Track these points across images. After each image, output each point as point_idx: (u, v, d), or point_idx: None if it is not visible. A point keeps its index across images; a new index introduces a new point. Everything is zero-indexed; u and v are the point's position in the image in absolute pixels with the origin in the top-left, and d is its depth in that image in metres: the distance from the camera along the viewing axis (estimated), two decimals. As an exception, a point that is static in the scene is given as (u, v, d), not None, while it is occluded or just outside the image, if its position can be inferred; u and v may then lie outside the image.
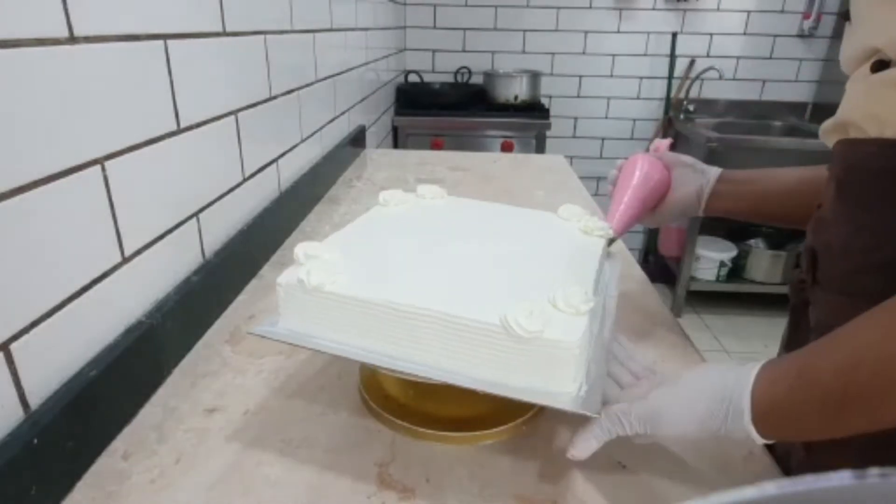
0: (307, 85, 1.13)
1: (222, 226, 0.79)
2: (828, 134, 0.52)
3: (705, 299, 2.75)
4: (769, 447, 0.52)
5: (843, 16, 0.53)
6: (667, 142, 0.72)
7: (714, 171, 0.67)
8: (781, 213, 0.65)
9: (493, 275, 0.52)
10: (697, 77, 2.66)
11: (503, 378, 0.44)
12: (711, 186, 0.66)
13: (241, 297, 0.79)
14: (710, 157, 2.33)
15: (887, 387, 0.34)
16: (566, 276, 0.52)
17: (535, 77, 2.43)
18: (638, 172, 0.67)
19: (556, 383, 0.44)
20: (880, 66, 0.43)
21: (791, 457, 0.52)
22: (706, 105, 2.74)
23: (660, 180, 0.68)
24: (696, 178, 0.68)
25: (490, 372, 0.45)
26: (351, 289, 0.47)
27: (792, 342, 0.57)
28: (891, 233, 0.43)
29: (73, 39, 0.48)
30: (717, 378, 0.41)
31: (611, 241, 0.66)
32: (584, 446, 0.44)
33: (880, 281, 0.43)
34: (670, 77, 2.69)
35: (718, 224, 2.65)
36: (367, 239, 0.59)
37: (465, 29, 2.65)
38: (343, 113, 1.46)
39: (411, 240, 0.59)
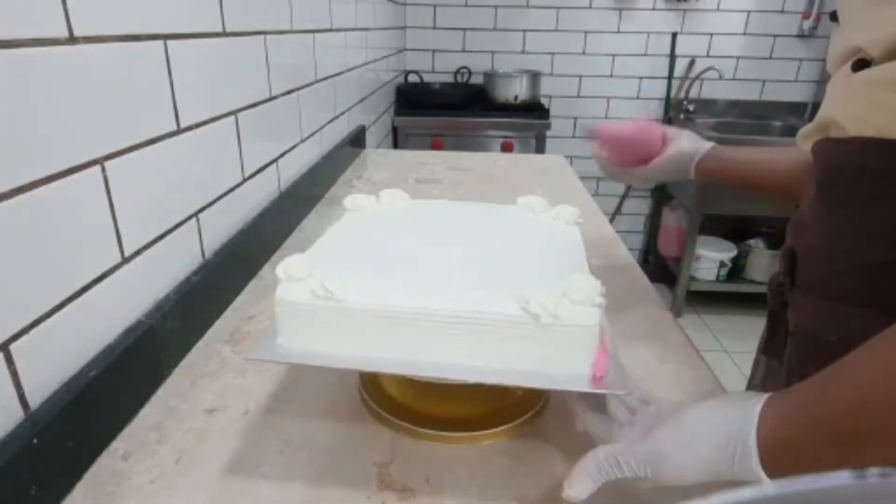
0: (307, 85, 1.13)
1: (222, 226, 0.79)
2: (806, 137, 0.51)
3: (705, 299, 2.75)
4: None
5: (832, 16, 0.53)
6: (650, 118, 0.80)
7: (709, 143, 0.74)
8: (765, 182, 0.72)
9: (489, 272, 0.52)
10: (697, 77, 2.66)
11: (522, 369, 0.45)
12: (706, 150, 0.73)
13: (241, 297, 0.79)
14: (710, 157, 2.33)
15: None
16: (565, 268, 0.52)
17: (535, 77, 2.43)
18: (636, 122, 0.76)
19: (574, 368, 0.45)
20: (861, 65, 0.43)
21: None
22: (706, 105, 2.74)
23: (652, 137, 0.75)
24: (694, 142, 0.75)
25: (510, 364, 0.45)
26: (365, 299, 0.46)
27: (770, 345, 0.56)
28: (874, 234, 0.43)
29: (73, 39, 0.48)
30: (721, 417, 0.38)
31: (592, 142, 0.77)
32: (580, 485, 0.42)
33: (863, 283, 0.43)
34: (670, 77, 2.69)
35: (718, 224, 2.65)
36: (351, 246, 0.57)
37: (465, 29, 2.65)
38: (343, 113, 1.46)
39: (399, 241, 0.59)
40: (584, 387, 0.44)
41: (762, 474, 0.36)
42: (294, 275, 0.48)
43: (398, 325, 0.45)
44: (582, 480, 0.42)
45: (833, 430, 0.34)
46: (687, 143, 0.74)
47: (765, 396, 0.38)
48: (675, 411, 0.41)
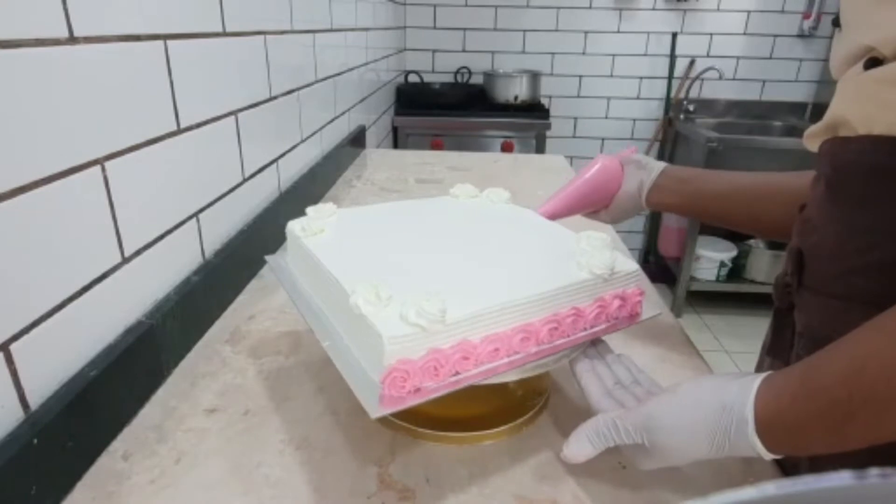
0: (307, 85, 1.13)
1: (222, 226, 0.79)
2: (814, 137, 0.51)
3: (705, 299, 2.75)
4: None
5: (834, 22, 0.53)
6: (631, 149, 0.75)
7: (657, 166, 0.69)
8: (717, 214, 0.68)
9: (442, 272, 0.51)
10: (697, 77, 2.66)
11: (354, 350, 0.46)
12: (652, 181, 0.68)
13: (241, 297, 0.79)
14: (711, 158, 2.33)
15: (893, 394, 0.33)
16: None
17: (535, 77, 2.43)
18: (589, 170, 0.71)
19: (372, 373, 0.42)
20: (873, 63, 0.43)
21: (798, 471, 0.51)
22: (706, 105, 2.74)
23: (610, 178, 0.71)
24: (639, 174, 0.70)
25: (351, 341, 0.46)
26: (312, 244, 0.55)
27: (775, 346, 0.56)
28: (885, 231, 0.42)
29: (73, 39, 0.48)
30: (718, 388, 0.40)
31: None
32: (577, 447, 0.44)
33: (875, 282, 0.43)
34: (670, 77, 2.69)
35: (718, 224, 2.65)
36: (383, 217, 0.65)
37: (465, 29, 2.65)
38: (343, 113, 1.46)
39: (422, 227, 0.62)
40: (371, 397, 0.41)
41: (758, 443, 0.37)
42: (311, 213, 0.61)
43: (316, 273, 0.52)
44: (579, 442, 0.44)
45: (828, 400, 0.35)
46: (633, 178, 0.70)
47: (764, 374, 0.39)
48: (674, 385, 0.43)
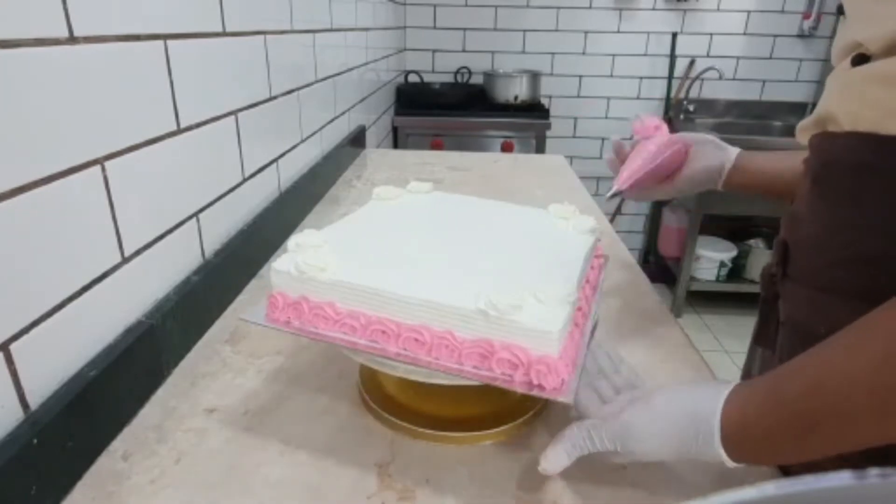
0: (307, 85, 1.13)
1: (222, 226, 0.79)
2: (805, 130, 0.52)
3: (705, 299, 2.75)
4: None
5: (839, 10, 0.54)
6: (655, 123, 0.74)
7: (734, 150, 0.72)
8: (791, 191, 0.68)
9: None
10: (697, 77, 2.66)
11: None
12: (733, 162, 0.71)
13: (241, 297, 0.79)
14: (710, 157, 2.33)
15: (851, 408, 0.33)
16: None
17: (535, 77, 2.43)
18: (656, 141, 0.71)
19: None
20: (860, 60, 0.43)
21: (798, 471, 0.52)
22: (706, 105, 2.74)
23: (676, 151, 0.71)
24: (718, 154, 0.72)
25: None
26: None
27: (761, 335, 0.58)
28: (867, 227, 0.43)
29: (73, 39, 0.48)
30: (689, 397, 0.41)
31: (617, 199, 0.72)
32: (554, 459, 0.44)
33: (854, 276, 0.44)
34: (670, 77, 2.69)
35: (718, 224, 2.65)
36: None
37: (465, 29, 2.65)
38: (343, 113, 1.46)
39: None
40: (261, 311, 0.51)
41: (722, 453, 0.38)
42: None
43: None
44: (556, 454, 0.44)
45: (792, 412, 0.36)
46: (713, 156, 0.71)
47: (734, 382, 0.40)
48: (648, 393, 0.44)
